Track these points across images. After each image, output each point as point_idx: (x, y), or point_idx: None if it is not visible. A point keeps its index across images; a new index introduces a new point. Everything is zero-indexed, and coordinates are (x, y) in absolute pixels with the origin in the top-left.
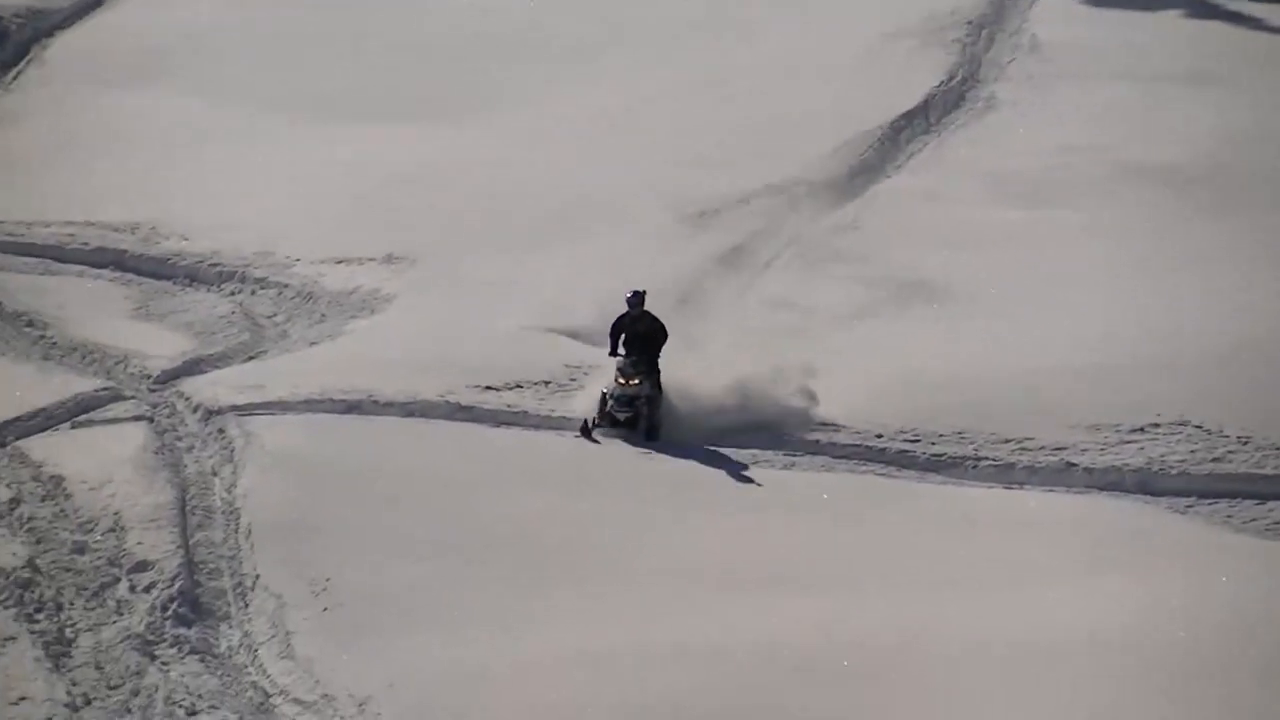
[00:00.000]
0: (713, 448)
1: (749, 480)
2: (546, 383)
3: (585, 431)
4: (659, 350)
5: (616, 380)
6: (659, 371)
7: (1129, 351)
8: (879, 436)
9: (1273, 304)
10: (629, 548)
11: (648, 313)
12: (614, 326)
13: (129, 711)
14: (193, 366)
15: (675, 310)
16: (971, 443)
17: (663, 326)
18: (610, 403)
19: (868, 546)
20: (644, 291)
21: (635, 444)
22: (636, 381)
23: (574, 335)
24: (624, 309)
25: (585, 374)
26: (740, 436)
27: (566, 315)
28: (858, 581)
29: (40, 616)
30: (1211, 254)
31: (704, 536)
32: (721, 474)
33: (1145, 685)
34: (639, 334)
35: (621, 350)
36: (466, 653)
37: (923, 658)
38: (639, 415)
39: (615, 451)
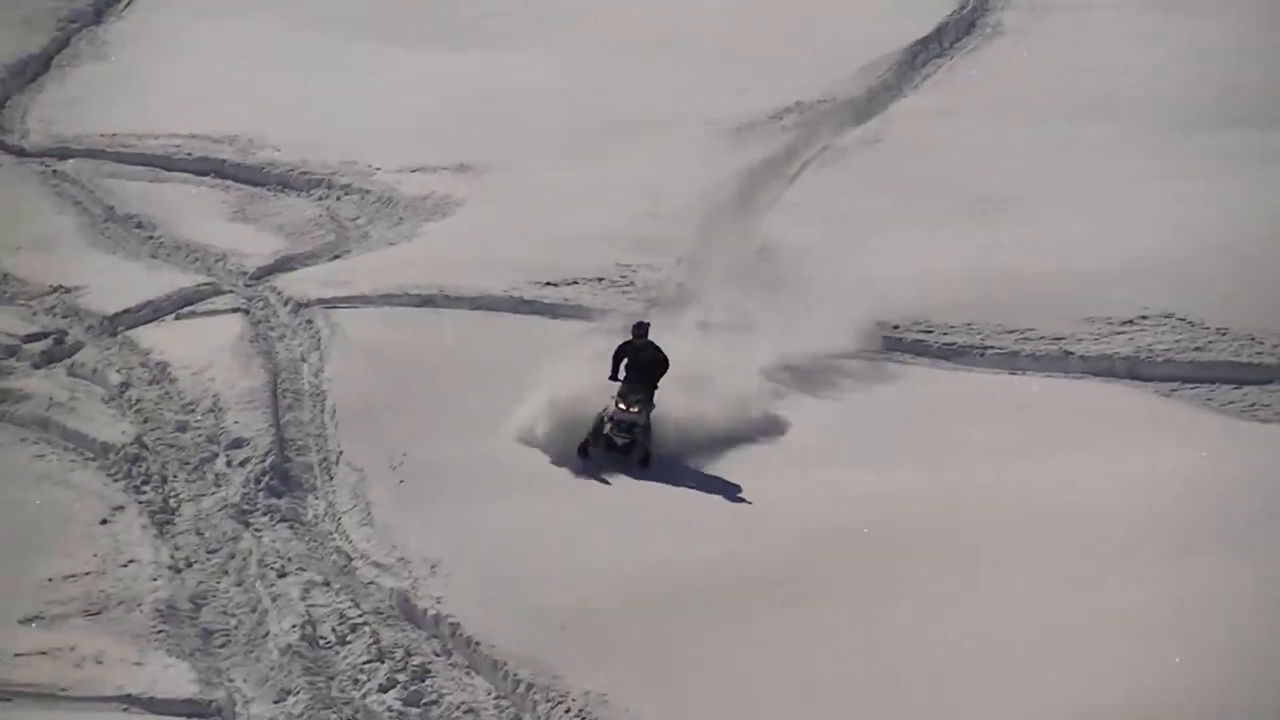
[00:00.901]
0: None
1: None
2: (600, 279)
3: (582, 451)
4: (658, 380)
5: (616, 404)
6: (653, 405)
7: (1121, 253)
8: (895, 328)
9: (1252, 210)
10: None
11: (651, 343)
12: (617, 352)
13: (225, 574)
14: (284, 264)
15: (712, 214)
16: (979, 333)
17: (665, 358)
18: (609, 425)
19: (889, 426)
20: (649, 323)
21: (630, 473)
22: (636, 409)
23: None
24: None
25: (634, 271)
26: None
27: (616, 219)
28: (885, 456)
29: (147, 488)
30: (1194, 167)
31: None
32: None
33: (1142, 546)
34: (641, 363)
35: (622, 375)
36: (527, 519)
37: (950, 524)
38: (635, 442)
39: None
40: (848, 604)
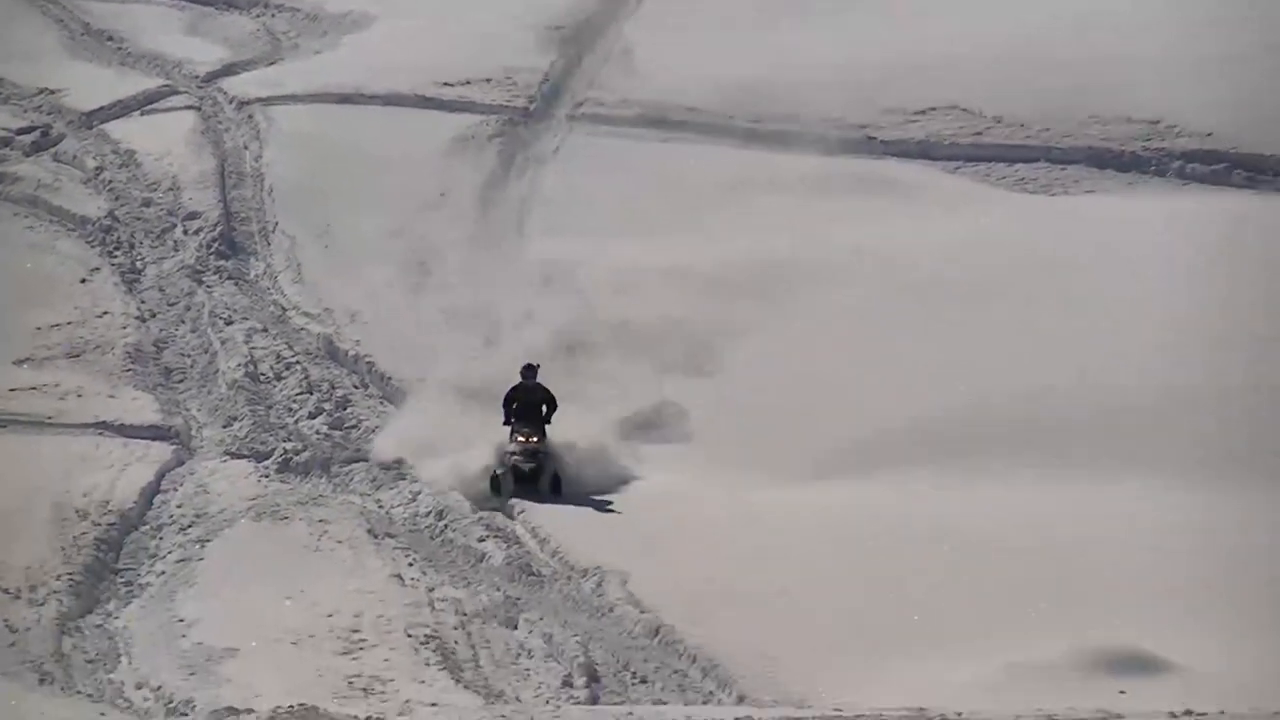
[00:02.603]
0: None
1: None
2: (488, 80)
3: (494, 485)
4: (550, 418)
5: (515, 440)
6: (548, 438)
7: (913, 53)
8: (730, 117)
9: (1024, 15)
10: None
11: (540, 384)
12: (507, 396)
13: (183, 322)
14: (229, 70)
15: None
16: (797, 122)
17: (553, 396)
18: (514, 457)
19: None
20: (537, 365)
21: (542, 500)
22: (535, 439)
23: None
24: None
25: (516, 73)
26: None
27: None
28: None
29: (118, 253)
30: None
31: None
32: None
33: (932, 291)
34: (532, 403)
35: (514, 420)
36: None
37: (799, 269)
38: (541, 467)
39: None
40: None
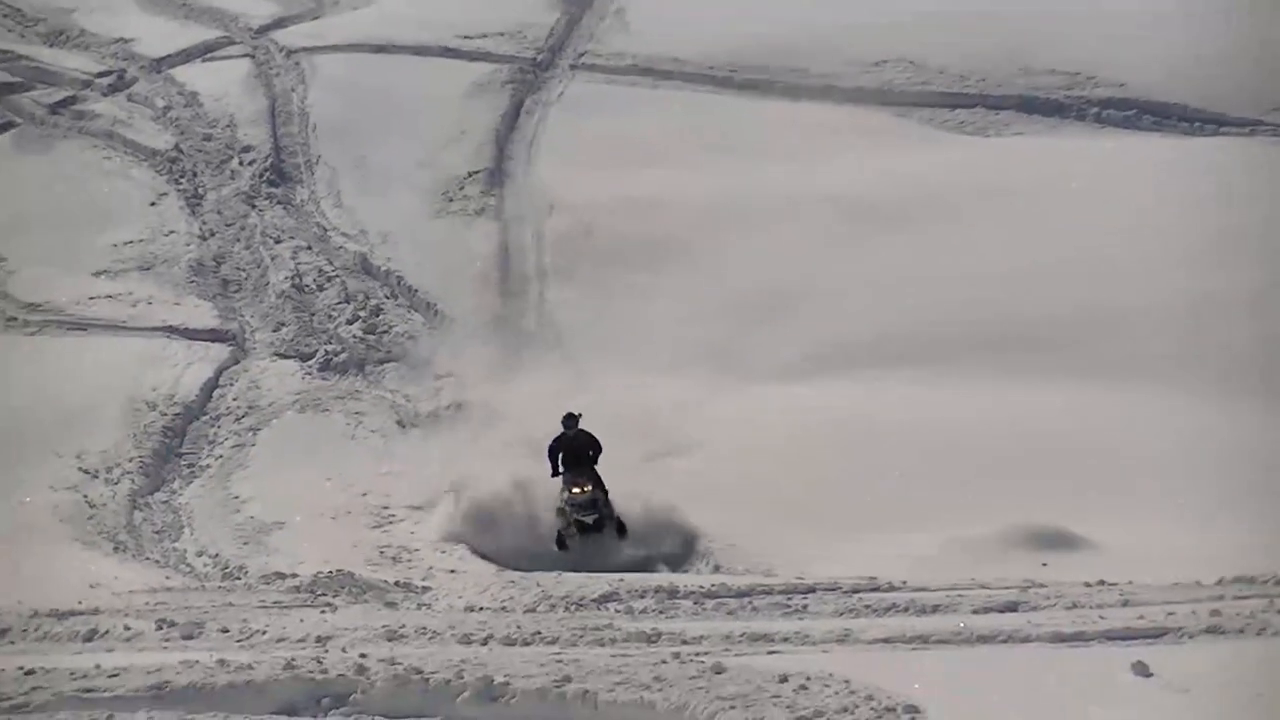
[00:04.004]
0: None
1: None
2: (502, 33)
3: (560, 544)
4: (596, 461)
5: (569, 490)
6: (601, 481)
7: (870, 13)
8: (711, 68)
9: None
10: None
11: (582, 430)
12: (551, 448)
13: (238, 241)
14: (279, 23)
15: None
16: (768, 72)
17: (597, 441)
18: (571, 511)
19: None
20: (579, 414)
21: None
22: (589, 487)
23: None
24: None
25: (529, 27)
26: None
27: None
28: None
29: (183, 181)
30: None
31: None
32: None
33: (887, 216)
34: (576, 450)
35: (562, 469)
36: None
37: (768, 197)
38: (603, 516)
39: None
40: None
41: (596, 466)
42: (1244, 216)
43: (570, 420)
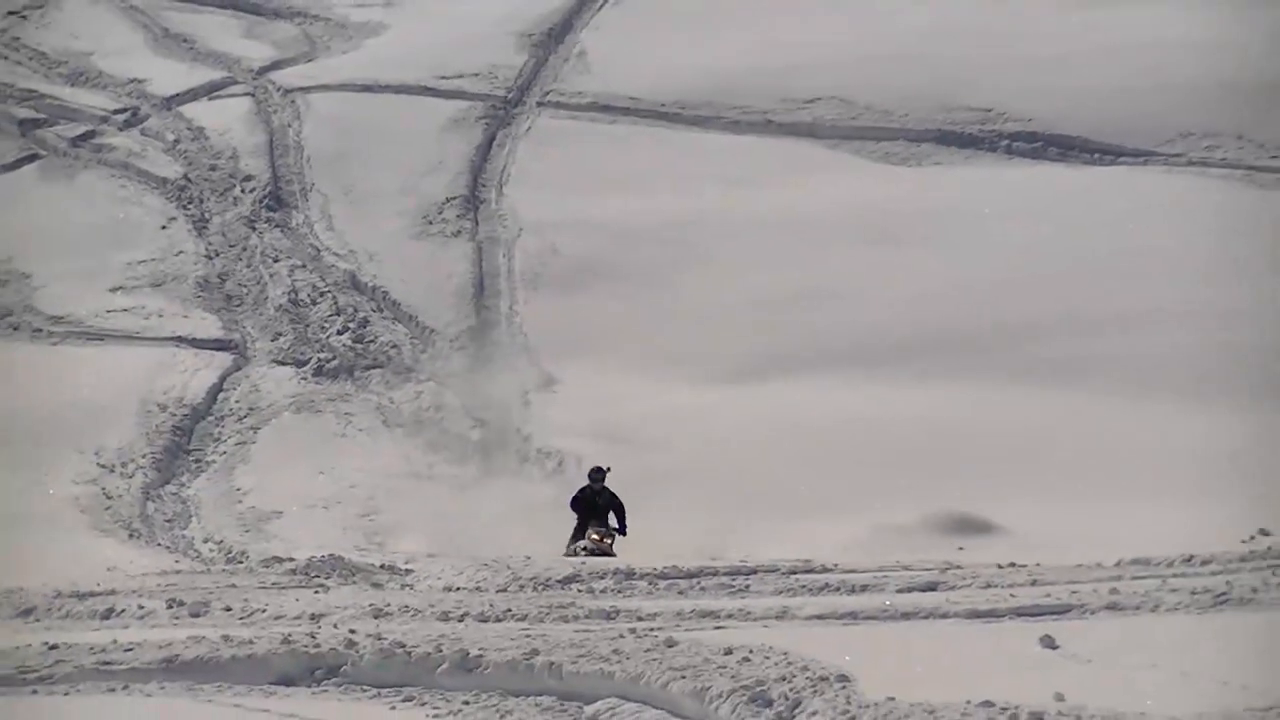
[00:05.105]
0: None
1: None
2: (476, 74)
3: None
4: (623, 524)
5: (590, 538)
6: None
7: (804, 54)
8: (662, 104)
9: (894, 27)
10: None
11: (606, 488)
12: (575, 500)
13: (240, 260)
14: (276, 65)
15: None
16: (713, 108)
17: (620, 501)
18: (581, 552)
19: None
20: (608, 469)
21: None
22: (609, 540)
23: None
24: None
25: (498, 68)
26: None
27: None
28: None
29: (191, 206)
30: None
31: None
32: None
33: (822, 237)
34: (600, 506)
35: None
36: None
37: (714, 221)
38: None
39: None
40: None
41: (620, 528)
42: (1136, 239)
43: (597, 474)
